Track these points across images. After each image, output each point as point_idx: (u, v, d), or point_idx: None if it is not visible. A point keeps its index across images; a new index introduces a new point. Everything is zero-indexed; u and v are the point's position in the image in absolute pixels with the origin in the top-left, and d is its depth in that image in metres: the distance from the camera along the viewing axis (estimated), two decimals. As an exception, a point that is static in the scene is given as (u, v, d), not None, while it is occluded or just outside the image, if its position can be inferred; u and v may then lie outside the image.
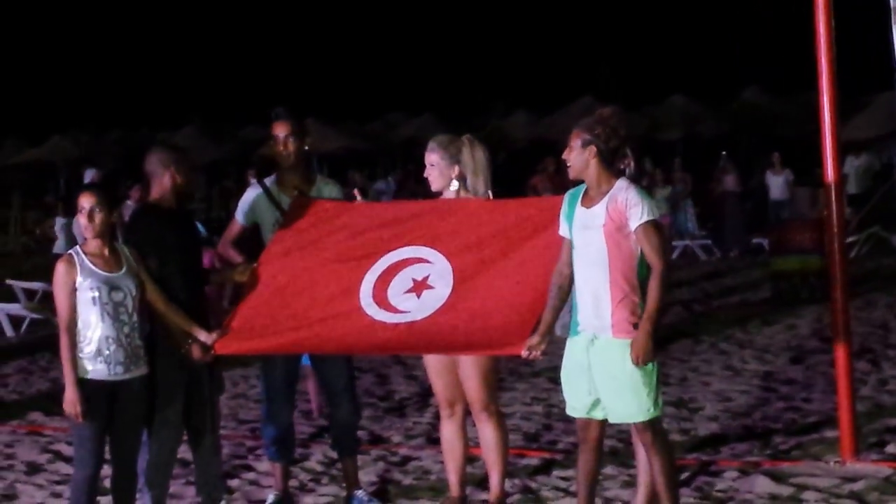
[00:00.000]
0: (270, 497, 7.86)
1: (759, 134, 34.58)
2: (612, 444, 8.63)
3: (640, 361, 6.27)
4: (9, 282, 19.67)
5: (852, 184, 26.35)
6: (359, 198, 7.96)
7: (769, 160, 25.92)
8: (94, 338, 6.63)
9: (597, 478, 6.72)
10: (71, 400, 6.59)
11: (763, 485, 7.80)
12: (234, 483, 8.44)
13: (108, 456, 6.84)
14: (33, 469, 9.20)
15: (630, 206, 6.31)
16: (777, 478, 7.93)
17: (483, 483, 7.74)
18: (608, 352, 6.35)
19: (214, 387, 7.22)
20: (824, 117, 8.41)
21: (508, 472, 7.55)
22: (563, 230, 6.54)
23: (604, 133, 6.40)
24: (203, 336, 6.91)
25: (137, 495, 6.98)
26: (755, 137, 34.28)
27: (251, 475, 8.75)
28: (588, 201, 6.45)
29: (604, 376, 6.37)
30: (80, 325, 6.65)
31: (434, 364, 7.38)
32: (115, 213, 6.83)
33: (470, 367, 7.18)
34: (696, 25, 47.87)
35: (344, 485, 7.96)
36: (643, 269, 6.35)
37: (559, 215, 6.57)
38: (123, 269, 6.76)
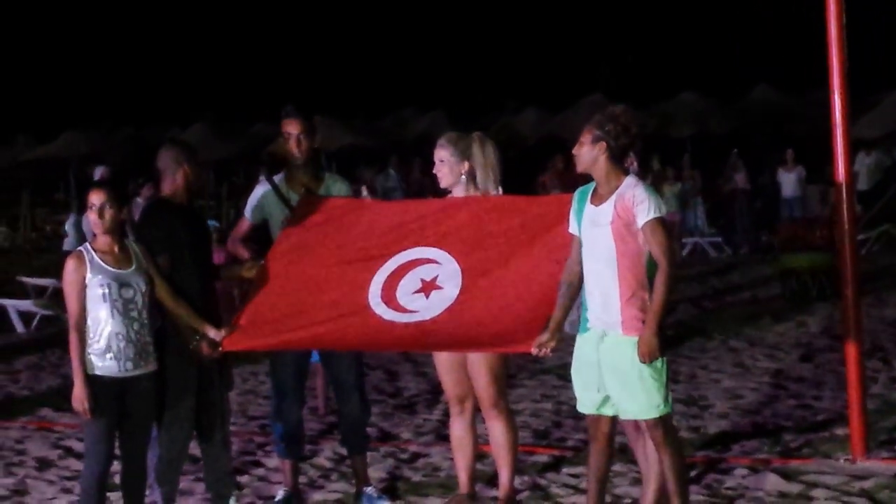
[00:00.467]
0: (280, 493, 7.86)
1: (770, 131, 34.45)
2: (622, 441, 8.62)
3: (646, 359, 6.27)
4: (19, 278, 19.74)
5: (862, 181, 26.28)
6: (366, 195, 7.96)
7: (780, 157, 25.84)
8: (104, 334, 6.64)
9: (607, 475, 6.72)
10: (79, 396, 6.60)
11: (773, 482, 7.78)
12: (243, 479, 8.45)
13: (118, 452, 6.85)
14: (44, 465, 9.21)
15: (637, 202, 6.32)
16: (787, 475, 7.92)
17: (493, 480, 7.74)
18: (618, 348, 6.35)
19: (224, 383, 7.23)
20: (835, 116, 8.40)
21: (518, 469, 7.54)
22: (572, 227, 6.55)
23: (614, 130, 6.41)
24: (212, 332, 6.92)
25: (147, 491, 7.00)
26: (765, 135, 34.16)
27: (261, 471, 8.76)
28: (597, 199, 6.46)
29: (613, 373, 6.37)
30: (89, 321, 6.66)
31: (444, 361, 7.38)
32: (124, 210, 6.84)
33: (479, 365, 7.18)
34: (706, 22, 47.78)
35: (353, 481, 7.96)
36: (652, 266, 6.34)
37: (568, 213, 6.58)
38: (133, 266, 6.77)
